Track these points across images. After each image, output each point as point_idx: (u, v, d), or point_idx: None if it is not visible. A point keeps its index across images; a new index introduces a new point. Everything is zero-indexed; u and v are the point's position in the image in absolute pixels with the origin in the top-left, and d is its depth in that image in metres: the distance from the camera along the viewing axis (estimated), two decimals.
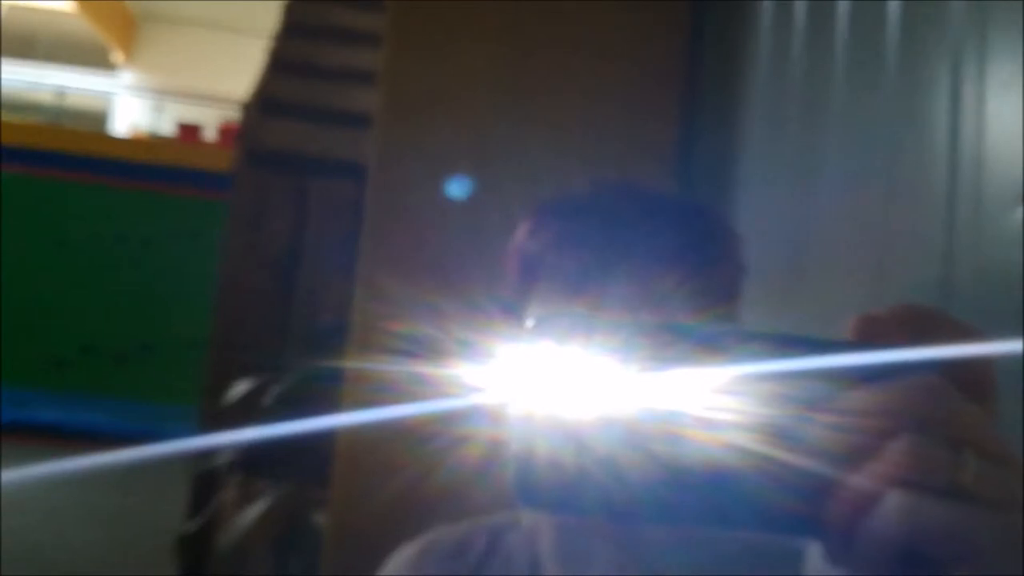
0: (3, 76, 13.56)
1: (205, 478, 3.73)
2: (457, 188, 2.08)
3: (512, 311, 0.81)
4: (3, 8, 14.21)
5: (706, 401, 0.41)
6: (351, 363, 1.97)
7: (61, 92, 14.03)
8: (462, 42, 2.23)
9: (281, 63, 4.77)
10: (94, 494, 5.68)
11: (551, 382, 0.42)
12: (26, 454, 6.33)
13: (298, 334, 3.86)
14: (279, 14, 4.91)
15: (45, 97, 14.08)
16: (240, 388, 3.37)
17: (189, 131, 9.69)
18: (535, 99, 2.13)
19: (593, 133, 2.10)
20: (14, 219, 8.16)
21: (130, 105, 13.36)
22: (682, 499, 0.41)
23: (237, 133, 6.03)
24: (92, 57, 14.54)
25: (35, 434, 6.79)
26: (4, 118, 10.50)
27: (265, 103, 4.70)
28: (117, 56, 14.65)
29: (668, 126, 2.15)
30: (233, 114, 8.75)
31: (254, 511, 2.82)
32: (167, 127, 10.77)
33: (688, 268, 0.77)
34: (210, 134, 9.29)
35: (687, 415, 0.41)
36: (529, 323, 0.43)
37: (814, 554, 0.66)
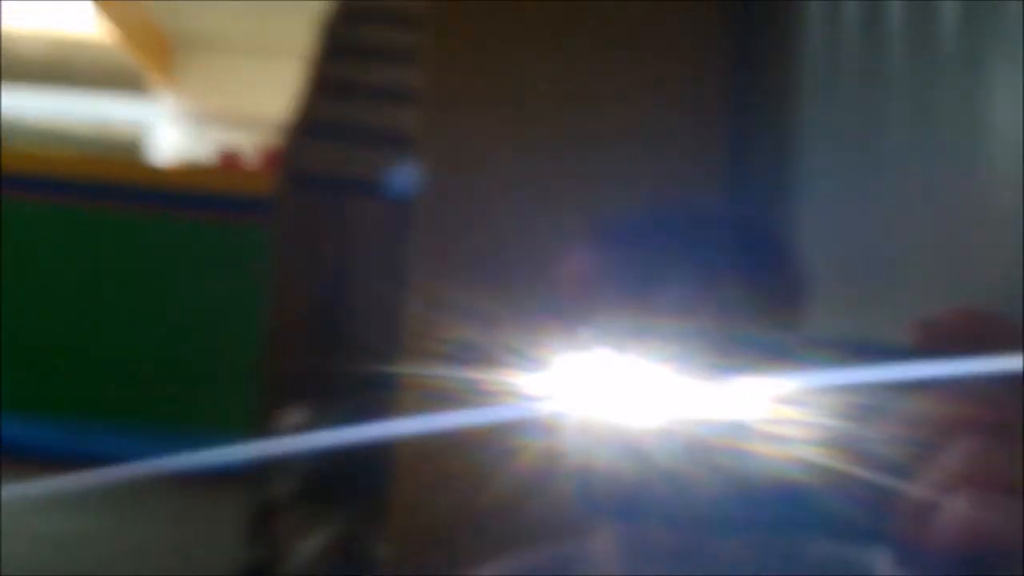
0: (42, 106, 13.95)
1: (264, 508, 3.79)
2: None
3: (567, 321, 0.83)
4: (41, 38, 14.61)
5: (769, 411, 0.41)
6: (404, 371, 2.00)
7: (99, 121, 14.36)
8: (503, 55, 2.26)
9: (320, 85, 4.86)
10: (149, 527, 5.77)
11: (609, 391, 0.44)
12: (78, 483, 6.46)
13: (348, 353, 3.92)
14: (317, 35, 5.02)
15: (84, 126, 14.43)
16: (293, 414, 3.43)
17: (229, 157, 9.86)
18: (580, 107, 2.16)
19: (641, 138, 2.12)
20: (59, 250, 8.36)
21: (169, 131, 13.64)
22: (746, 510, 0.42)
23: (278, 157, 6.13)
24: (130, 85, 14.88)
25: (87, 463, 6.92)
26: (43, 149, 10.79)
27: (305, 126, 4.79)
28: (155, 83, 14.98)
29: (717, 133, 2.16)
30: (273, 137, 8.90)
31: (315, 541, 2.86)
32: (207, 152, 10.97)
33: (743, 278, 0.78)
34: (250, 158, 9.45)
35: (749, 425, 0.41)
36: (586, 332, 0.45)
37: (883, 560, 0.67)
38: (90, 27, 14.11)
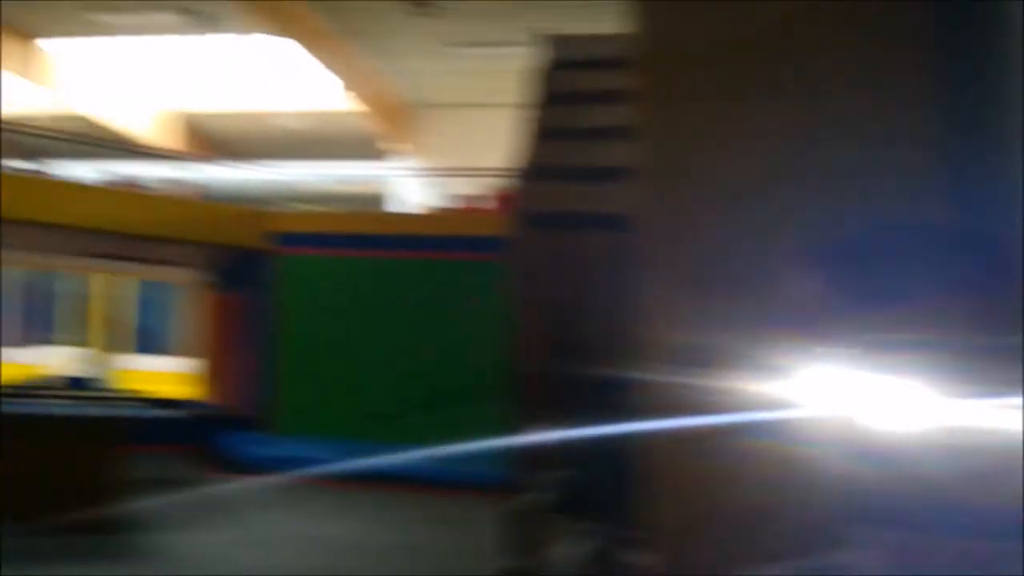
0: (306, 173, 15.08)
1: (521, 517, 3.85)
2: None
3: (808, 333, 0.81)
4: (303, 116, 15.85)
5: None
6: (645, 384, 1.99)
7: (353, 181, 15.35)
8: (708, 89, 2.22)
9: (543, 131, 4.96)
10: (415, 534, 6.00)
11: (860, 401, 0.44)
12: (358, 499, 6.85)
13: (589, 370, 3.95)
14: (534, 86, 5.13)
15: (341, 187, 15.45)
16: (543, 429, 3.48)
17: (467, 204, 10.23)
18: (804, 130, 2.08)
19: (866, 160, 2.01)
20: (332, 294, 8.98)
21: (412, 185, 14.34)
22: (1012, 515, 0.41)
23: (510, 200, 6.30)
24: (378, 148, 15.84)
25: (366, 481, 7.34)
26: (312, 210, 11.62)
27: (533, 169, 4.91)
28: (398, 145, 15.85)
29: (942, 152, 2.02)
30: (503, 183, 9.16)
31: (571, 549, 2.88)
32: (447, 201, 11.44)
33: (980, 291, 0.73)
34: (485, 203, 9.75)
35: (1010, 434, 0.42)
36: (828, 344, 0.45)
37: None
38: (342, 103, 15.18)
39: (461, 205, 10.36)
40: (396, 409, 8.33)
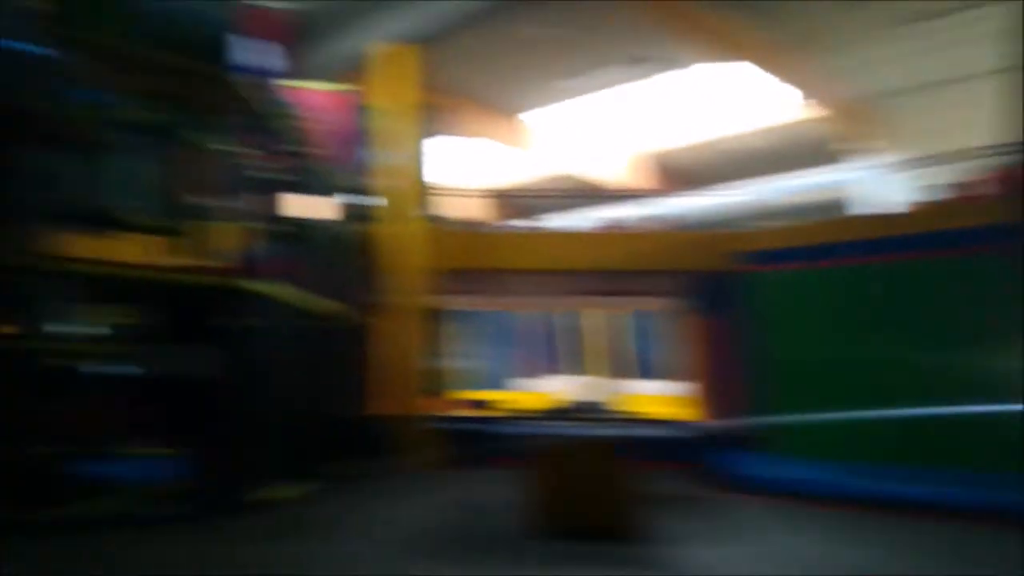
0: (777, 188, 14.56)
1: None
2: None
3: None
4: (768, 130, 15.37)
5: None
6: None
7: (824, 188, 14.42)
8: None
9: None
10: (921, 563, 5.19)
11: None
12: (861, 523, 6.15)
13: None
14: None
15: (808, 197, 14.62)
16: None
17: (957, 191, 8.89)
18: None
19: None
20: (821, 309, 8.36)
21: (888, 182, 13.08)
22: None
23: (1012, 181, 5.23)
24: (841, 149, 14.78)
25: (868, 505, 6.63)
26: (782, 225, 11.09)
27: None
28: (865, 141, 14.65)
29: None
30: (996, 164, 7.81)
31: None
32: (930, 193, 10.10)
33: None
34: (980, 188, 8.37)
35: None
36: None
37: None
38: (801, 112, 14.43)
39: (948, 195, 9.01)
40: (896, 426, 7.42)
